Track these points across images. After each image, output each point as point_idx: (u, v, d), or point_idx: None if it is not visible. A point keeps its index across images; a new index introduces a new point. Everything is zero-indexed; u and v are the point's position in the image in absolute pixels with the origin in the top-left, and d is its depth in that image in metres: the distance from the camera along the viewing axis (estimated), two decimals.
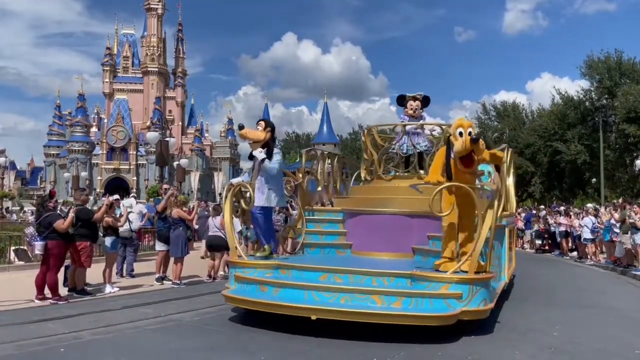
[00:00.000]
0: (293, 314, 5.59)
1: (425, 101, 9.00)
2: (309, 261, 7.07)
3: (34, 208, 10.24)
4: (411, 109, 8.86)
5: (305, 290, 5.86)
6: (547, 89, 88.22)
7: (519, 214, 22.14)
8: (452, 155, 5.91)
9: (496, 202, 5.94)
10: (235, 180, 7.38)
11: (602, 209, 16.09)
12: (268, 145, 6.91)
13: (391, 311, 5.46)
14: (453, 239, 6.10)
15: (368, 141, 9.41)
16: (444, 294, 5.62)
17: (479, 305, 5.68)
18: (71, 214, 8.04)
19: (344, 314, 5.44)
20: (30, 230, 9.10)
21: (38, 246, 7.86)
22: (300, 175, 8.48)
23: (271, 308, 5.82)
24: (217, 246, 10.30)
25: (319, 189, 9.92)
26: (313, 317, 5.36)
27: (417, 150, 8.71)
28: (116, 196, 12.75)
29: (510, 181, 8.59)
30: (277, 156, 6.98)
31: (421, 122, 8.95)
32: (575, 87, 64.92)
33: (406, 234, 7.43)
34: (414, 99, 8.91)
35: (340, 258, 7.78)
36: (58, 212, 8.64)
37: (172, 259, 9.77)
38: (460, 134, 5.79)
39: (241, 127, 6.94)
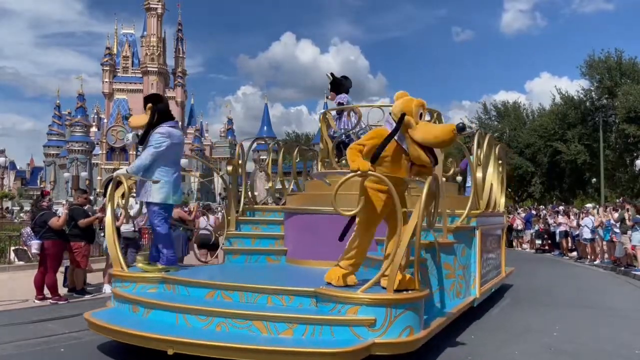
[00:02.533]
0: (146, 345, 4.38)
1: (334, 84, 8.16)
2: (202, 274, 5.89)
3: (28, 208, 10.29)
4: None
5: (176, 312, 4.70)
6: (546, 89, 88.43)
7: (518, 213, 22.14)
8: (400, 143, 4.69)
9: (424, 197, 4.45)
10: (119, 172, 6.04)
11: (601, 210, 16.07)
12: (151, 126, 5.84)
13: (275, 345, 4.11)
14: (365, 246, 4.81)
15: (323, 128, 8.19)
16: (350, 320, 4.24)
17: (399, 335, 4.25)
18: (64, 211, 8.04)
19: (208, 349, 4.10)
20: (26, 230, 9.09)
21: (35, 245, 7.86)
22: (230, 169, 7.51)
23: (122, 337, 4.59)
24: (204, 244, 10.23)
25: (270, 184, 9.47)
26: (170, 352, 4.18)
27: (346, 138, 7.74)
28: None
29: (491, 174, 7.48)
30: (155, 139, 5.73)
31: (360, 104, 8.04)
32: (574, 86, 65.07)
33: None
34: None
35: (262, 268, 6.69)
36: (53, 211, 8.65)
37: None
38: (421, 115, 4.72)
39: (126, 117, 6.58)
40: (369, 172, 4.42)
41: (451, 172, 7.66)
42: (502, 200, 8.46)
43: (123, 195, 5.81)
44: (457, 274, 6.11)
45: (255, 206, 8.17)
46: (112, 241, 5.71)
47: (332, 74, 8.33)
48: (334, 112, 8.11)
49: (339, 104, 8.00)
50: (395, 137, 4.63)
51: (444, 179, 6.47)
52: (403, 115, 4.59)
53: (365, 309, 4.28)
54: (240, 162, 7.67)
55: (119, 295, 5.42)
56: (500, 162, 8.45)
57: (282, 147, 8.96)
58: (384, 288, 4.47)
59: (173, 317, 4.70)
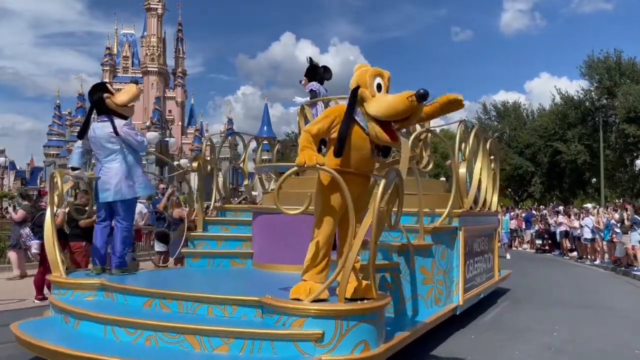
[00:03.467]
0: None
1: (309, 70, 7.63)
2: (145, 280, 5.39)
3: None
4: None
5: (105, 324, 4.19)
6: (545, 89, 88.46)
7: (517, 215, 22.12)
8: (358, 121, 3.89)
9: (380, 192, 3.77)
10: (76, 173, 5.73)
11: (601, 209, 16.08)
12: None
13: None
14: (325, 250, 4.07)
15: (301, 122, 7.63)
16: (294, 334, 3.69)
17: (351, 351, 3.69)
18: (62, 210, 8.03)
19: None
20: (26, 230, 9.09)
21: (35, 245, 7.86)
22: (195, 165, 7.02)
23: (43, 353, 4.10)
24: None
25: (246, 182, 9.22)
26: None
27: None
28: None
29: (479, 170, 7.01)
30: (97, 129, 5.50)
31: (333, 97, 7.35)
32: (573, 86, 65.22)
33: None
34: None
35: (220, 273, 6.11)
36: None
37: (171, 260, 9.76)
38: (379, 86, 3.87)
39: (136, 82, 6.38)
40: (318, 165, 3.65)
41: (430, 167, 7.25)
42: (494, 199, 7.91)
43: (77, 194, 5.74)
44: (435, 279, 5.64)
45: (227, 206, 7.73)
46: (51, 244, 5.28)
47: (310, 59, 7.82)
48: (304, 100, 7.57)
49: (311, 91, 7.54)
50: (357, 118, 3.88)
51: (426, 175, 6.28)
52: (356, 88, 3.86)
53: (312, 321, 3.66)
54: (210, 157, 7.28)
55: (54, 304, 4.96)
56: (492, 157, 8.04)
57: (260, 143, 8.78)
58: (346, 298, 3.86)
59: (102, 329, 4.21)
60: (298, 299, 3.80)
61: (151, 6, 79.66)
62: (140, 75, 79.94)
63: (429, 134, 7.11)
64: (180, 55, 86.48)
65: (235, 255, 6.55)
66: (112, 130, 5.43)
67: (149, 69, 79.24)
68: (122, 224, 5.64)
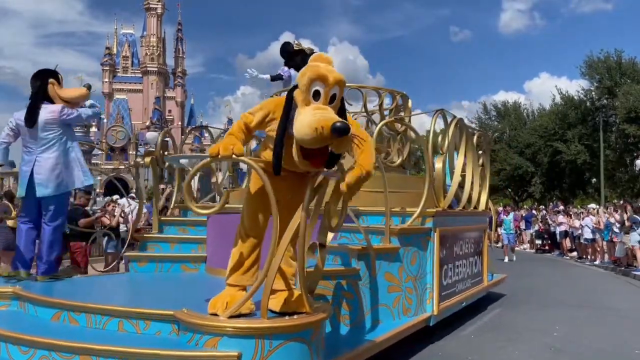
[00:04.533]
0: None
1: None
2: (63, 289, 4.77)
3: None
4: None
5: (1, 341, 3.67)
6: (545, 89, 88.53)
7: (522, 216, 22.08)
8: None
9: (308, 190, 3.24)
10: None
11: (601, 209, 16.09)
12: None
13: None
14: (252, 252, 3.47)
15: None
16: (206, 355, 3.15)
17: None
18: None
19: None
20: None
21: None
22: (147, 160, 6.43)
23: None
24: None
25: (213, 179, 8.57)
26: None
27: None
28: (116, 196, 12.74)
29: (461, 163, 6.61)
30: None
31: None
32: (573, 86, 65.22)
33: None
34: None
35: (161, 280, 5.53)
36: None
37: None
38: (317, 94, 3.10)
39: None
40: (234, 156, 3.08)
41: (399, 161, 6.96)
42: (483, 198, 7.44)
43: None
44: (404, 287, 5.12)
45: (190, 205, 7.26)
46: None
47: (297, 44, 7.20)
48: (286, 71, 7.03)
49: (277, 76, 7.04)
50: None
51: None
52: (293, 89, 3.22)
53: (228, 340, 3.10)
54: (166, 153, 6.81)
55: None
56: (480, 152, 7.67)
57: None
58: (272, 311, 3.31)
59: None
60: (215, 314, 3.20)
61: (151, 6, 79.65)
62: (140, 75, 79.95)
63: (405, 128, 6.89)
64: (180, 55, 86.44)
65: (187, 259, 5.85)
66: (50, 115, 4.98)
67: (148, 68, 79.21)
68: (50, 224, 5.04)
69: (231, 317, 3.16)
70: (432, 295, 5.54)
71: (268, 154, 3.29)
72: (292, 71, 6.94)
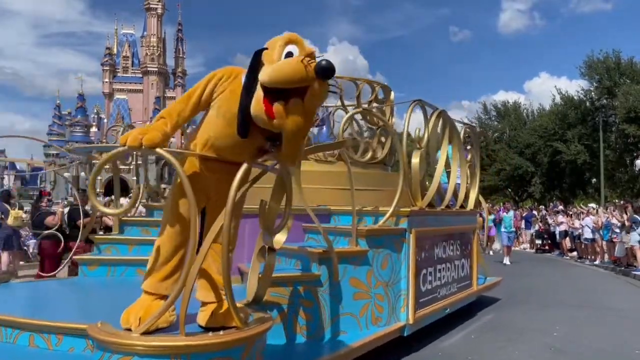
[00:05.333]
0: None
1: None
2: None
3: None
4: None
5: None
6: (544, 89, 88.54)
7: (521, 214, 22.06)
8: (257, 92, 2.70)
9: (235, 185, 2.75)
10: None
11: (601, 209, 16.08)
12: None
13: None
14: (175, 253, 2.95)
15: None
16: None
17: None
18: (59, 209, 8.05)
19: None
20: (24, 230, 9.10)
21: (33, 245, 7.90)
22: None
23: None
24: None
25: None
26: None
27: None
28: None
29: (443, 159, 6.23)
30: None
31: None
32: (573, 86, 65.29)
33: (241, 243, 4.27)
34: None
35: (110, 286, 5.11)
36: (51, 210, 8.65)
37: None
38: (290, 54, 2.74)
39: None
40: (144, 147, 2.64)
41: (368, 156, 6.59)
42: (472, 196, 7.05)
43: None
44: (373, 294, 4.69)
45: (155, 204, 6.68)
46: None
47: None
48: None
49: None
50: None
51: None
52: (258, 52, 2.83)
53: None
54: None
55: None
56: (469, 148, 7.32)
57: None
58: (200, 326, 2.95)
59: None
60: (129, 329, 2.79)
61: (151, 6, 79.62)
62: (140, 75, 79.96)
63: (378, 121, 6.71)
64: (180, 55, 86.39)
65: (144, 262, 5.30)
66: None
67: (148, 68, 79.20)
68: None
69: (145, 333, 2.70)
70: (407, 302, 5.06)
71: (202, 144, 2.91)
72: None
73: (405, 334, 5.02)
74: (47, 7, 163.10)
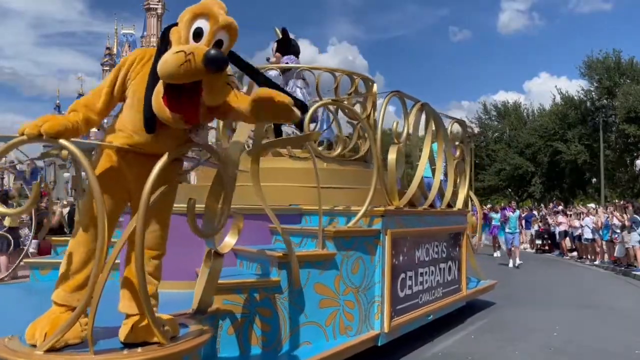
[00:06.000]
0: None
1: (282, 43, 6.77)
2: None
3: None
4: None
5: None
6: (544, 89, 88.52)
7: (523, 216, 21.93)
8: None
9: (150, 181, 2.45)
10: None
11: (600, 209, 16.08)
12: None
13: None
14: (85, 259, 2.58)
15: None
16: None
17: None
18: (58, 209, 8.06)
19: None
20: (24, 230, 9.09)
21: (33, 245, 7.90)
22: (64, 153, 5.02)
23: None
24: None
25: None
26: None
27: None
28: None
29: (425, 155, 5.88)
30: None
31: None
32: (572, 86, 65.37)
33: (200, 246, 3.82)
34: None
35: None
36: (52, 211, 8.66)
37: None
38: (199, 34, 2.41)
39: None
40: (45, 136, 2.31)
41: (337, 151, 6.17)
42: (461, 195, 6.71)
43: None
44: (342, 300, 4.33)
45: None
46: None
47: (283, 30, 6.94)
48: (273, 73, 6.39)
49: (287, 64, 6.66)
50: None
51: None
52: (167, 29, 2.55)
53: None
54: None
55: None
56: (458, 144, 7.06)
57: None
58: (124, 344, 2.58)
59: None
60: (34, 345, 2.44)
61: (151, 6, 79.70)
62: None
63: (366, 116, 6.21)
64: None
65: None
66: None
67: None
68: None
69: (50, 350, 2.38)
70: (382, 309, 4.67)
71: (120, 136, 2.59)
72: (294, 57, 6.79)
73: (379, 344, 4.67)
74: (47, 7, 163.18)
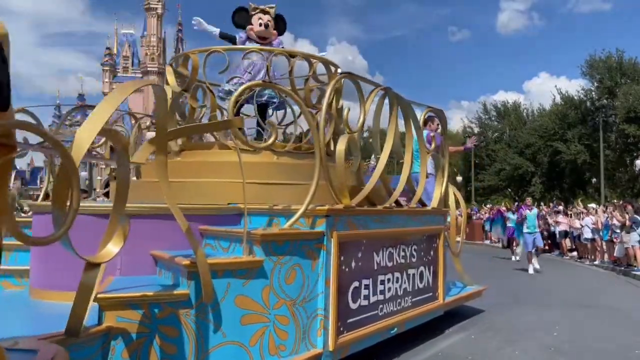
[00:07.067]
0: None
1: (279, 22, 6.15)
2: None
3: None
4: (261, 24, 5.93)
5: None
6: (544, 89, 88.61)
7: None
8: None
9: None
10: None
11: (600, 209, 16.07)
12: None
13: None
14: None
15: (172, 78, 5.66)
16: None
17: None
18: None
19: None
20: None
21: None
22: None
23: None
24: None
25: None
26: None
27: (259, 99, 5.48)
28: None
29: (389, 146, 5.17)
30: None
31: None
32: (572, 86, 65.38)
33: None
34: (264, 12, 5.99)
35: None
36: None
37: None
38: None
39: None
40: None
41: (270, 141, 5.00)
42: (437, 192, 6.11)
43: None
44: (272, 315, 3.71)
45: (40, 203, 5.34)
46: None
47: (252, 6, 6.16)
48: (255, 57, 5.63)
49: (230, 35, 6.05)
50: None
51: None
52: None
53: None
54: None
55: None
56: (433, 134, 6.61)
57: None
58: None
59: None
60: None
61: (151, 6, 79.76)
62: (141, 75, 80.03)
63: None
64: None
65: (11, 273, 4.50)
66: None
67: (148, 68, 79.28)
68: None
69: None
70: (326, 324, 4.03)
71: None
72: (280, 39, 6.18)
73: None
74: (48, 7, 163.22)
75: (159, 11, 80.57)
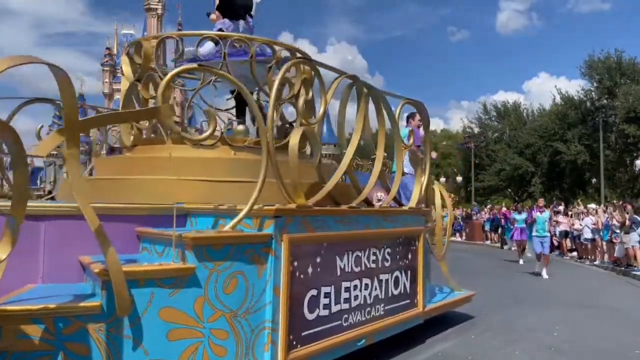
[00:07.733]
0: None
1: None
2: None
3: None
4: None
5: None
6: (543, 89, 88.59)
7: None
8: None
9: None
10: None
11: (600, 209, 16.06)
12: None
13: None
14: None
15: (127, 68, 5.48)
16: None
17: None
18: None
19: None
20: None
21: None
22: None
23: None
24: None
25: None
26: None
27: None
28: None
29: (355, 141, 4.82)
30: None
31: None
32: (571, 86, 65.50)
33: (71, 252, 3.55)
34: None
35: None
36: None
37: None
38: None
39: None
40: None
41: (207, 134, 4.51)
42: (416, 190, 5.71)
43: None
44: (206, 329, 3.33)
45: None
46: None
47: None
48: (206, 49, 5.33)
49: (219, 30, 5.49)
50: None
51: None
52: None
53: None
54: None
55: None
56: (412, 129, 6.19)
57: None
58: None
59: None
60: None
61: (151, 6, 79.64)
62: None
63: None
64: None
65: None
66: None
67: None
68: None
69: None
70: (275, 338, 3.63)
71: None
72: (229, 23, 5.68)
73: None
74: (48, 7, 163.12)
75: (159, 11, 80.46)
